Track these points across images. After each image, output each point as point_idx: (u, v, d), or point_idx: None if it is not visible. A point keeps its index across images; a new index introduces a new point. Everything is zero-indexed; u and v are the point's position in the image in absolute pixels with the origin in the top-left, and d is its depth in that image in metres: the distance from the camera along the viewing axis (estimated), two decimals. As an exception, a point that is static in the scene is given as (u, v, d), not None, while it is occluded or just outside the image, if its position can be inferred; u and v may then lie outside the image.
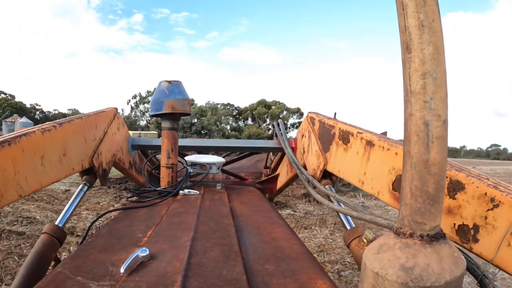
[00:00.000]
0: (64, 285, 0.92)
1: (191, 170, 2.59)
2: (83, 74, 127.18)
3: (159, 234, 1.38)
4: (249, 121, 63.52)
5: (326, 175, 2.11)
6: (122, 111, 67.67)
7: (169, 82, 2.33)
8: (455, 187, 1.12)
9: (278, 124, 2.89)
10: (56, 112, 65.00)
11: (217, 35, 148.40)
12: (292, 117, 59.61)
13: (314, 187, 2.02)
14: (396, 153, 1.44)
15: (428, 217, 0.70)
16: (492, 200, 1.01)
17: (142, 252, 1.06)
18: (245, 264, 1.11)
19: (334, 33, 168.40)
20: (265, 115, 59.30)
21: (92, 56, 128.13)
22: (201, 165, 2.68)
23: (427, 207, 0.69)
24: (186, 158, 2.73)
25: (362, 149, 1.70)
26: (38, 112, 62.47)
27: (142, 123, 61.53)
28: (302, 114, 58.95)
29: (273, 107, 59.48)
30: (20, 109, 52.02)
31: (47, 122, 1.81)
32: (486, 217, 1.01)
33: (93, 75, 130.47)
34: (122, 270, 0.98)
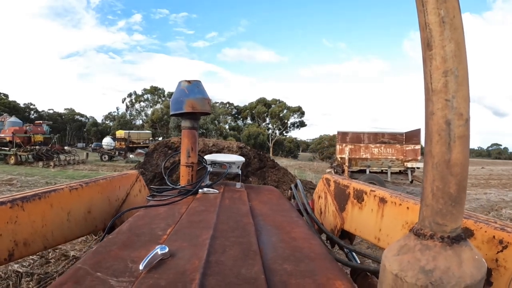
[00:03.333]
0: (84, 281, 0.94)
1: (211, 169, 2.60)
2: (82, 74, 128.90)
3: (178, 232, 1.40)
4: (249, 120, 61.41)
5: (344, 234, 2.15)
6: (117, 109, 65.51)
7: (189, 81, 2.35)
8: (465, 234, 1.15)
9: (296, 186, 2.86)
10: (52, 111, 64.79)
11: (216, 35, 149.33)
12: (293, 116, 57.17)
13: (333, 247, 2.10)
14: (407, 208, 1.49)
15: (449, 218, 0.68)
16: (501, 242, 1.03)
17: (162, 250, 1.08)
18: (263, 263, 1.11)
19: (333, 34, 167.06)
20: (265, 114, 57.09)
21: (92, 55, 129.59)
22: (221, 164, 2.70)
23: (448, 208, 0.68)
24: (206, 157, 2.75)
25: (376, 207, 1.75)
26: (32, 112, 61.81)
27: (138, 122, 58.41)
28: (303, 113, 56.91)
29: (273, 105, 57.12)
30: (14, 109, 51.36)
31: (74, 181, 1.93)
32: (497, 260, 1.03)
33: (94, 75, 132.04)
34: (141, 267, 1.00)
